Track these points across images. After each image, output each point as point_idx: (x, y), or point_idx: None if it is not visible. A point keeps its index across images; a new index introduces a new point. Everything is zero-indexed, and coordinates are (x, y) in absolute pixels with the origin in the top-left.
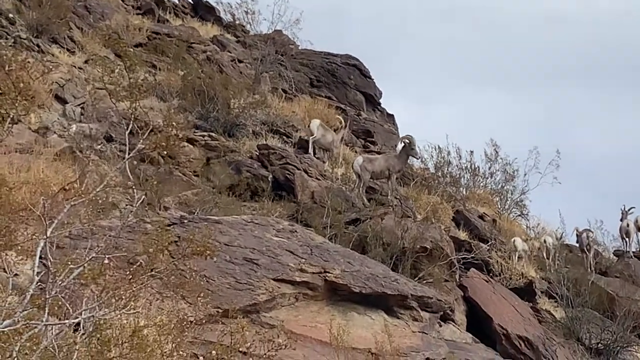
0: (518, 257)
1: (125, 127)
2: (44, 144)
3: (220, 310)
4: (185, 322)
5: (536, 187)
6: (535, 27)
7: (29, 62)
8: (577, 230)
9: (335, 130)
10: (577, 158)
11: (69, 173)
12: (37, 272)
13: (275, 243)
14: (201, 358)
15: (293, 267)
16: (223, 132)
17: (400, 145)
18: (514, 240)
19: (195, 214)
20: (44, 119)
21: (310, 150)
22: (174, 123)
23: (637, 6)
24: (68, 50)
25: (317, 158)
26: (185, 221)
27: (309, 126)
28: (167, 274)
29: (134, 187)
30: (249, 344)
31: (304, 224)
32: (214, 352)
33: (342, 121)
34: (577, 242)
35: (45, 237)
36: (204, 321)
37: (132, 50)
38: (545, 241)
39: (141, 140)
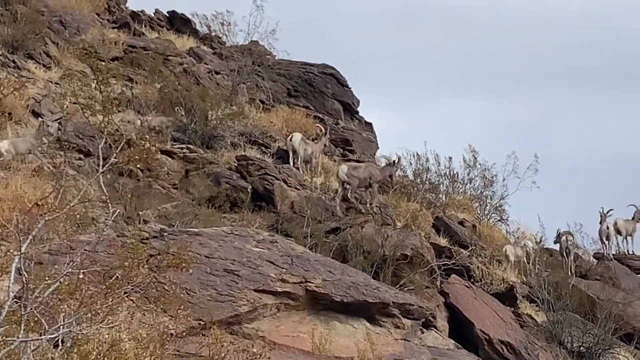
0: (510, 265)
1: (98, 142)
2: (21, 160)
3: (202, 323)
4: (165, 335)
5: (515, 192)
6: (512, 32)
7: (5, 78)
8: (559, 231)
9: (314, 139)
10: (556, 163)
11: (48, 189)
12: (15, 289)
13: (256, 254)
14: None
15: (274, 277)
16: (201, 144)
17: (384, 160)
18: (505, 249)
19: (175, 226)
20: (21, 134)
21: (291, 162)
22: (147, 136)
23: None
24: (44, 65)
25: (297, 168)
26: (165, 234)
27: (290, 140)
28: (146, 287)
29: (108, 200)
30: (223, 354)
31: (284, 234)
32: None
33: (323, 129)
34: (555, 242)
35: (19, 252)
36: (185, 334)
37: (105, 64)
38: (525, 245)
39: (114, 154)
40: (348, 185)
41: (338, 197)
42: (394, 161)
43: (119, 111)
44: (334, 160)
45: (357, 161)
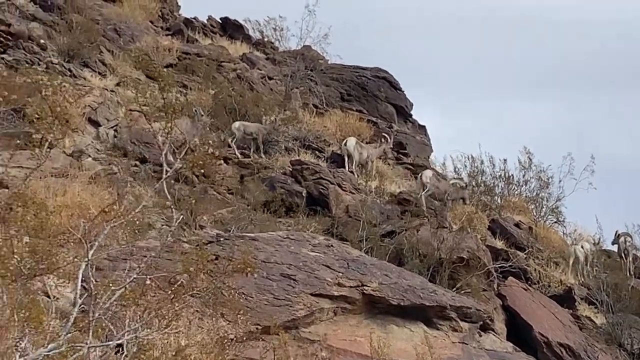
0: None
1: (160, 148)
2: (78, 168)
3: (260, 327)
4: (225, 340)
5: (572, 194)
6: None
7: (64, 86)
8: (617, 233)
9: (368, 142)
10: (613, 163)
11: (105, 195)
12: (80, 295)
13: (312, 258)
14: None
15: (330, 281)
16: (256, 149)
17: (457, 182)
18: (575, 249)
19: (231, 231)
20: (78, 142)
21: (346, 166)
22: (210, 142)
23: None
24: (99, 73)
25: (351, 172)
26: (222, 239)
27: (345, 144)
28: (207, 292)
29: (172, 206)
30: (291, 359)
31: (339, 238)
32: None
33: (387, 137)
34: (613, 243)
35: (86, 259)
36: (244, 338)
37: (165, 71)
38: (582, 247)
39: (178, 160)
40: (425, 189)
41: (423, 195)
42: (466, 184)
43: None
44: (388, 164)
45: (412, 165)
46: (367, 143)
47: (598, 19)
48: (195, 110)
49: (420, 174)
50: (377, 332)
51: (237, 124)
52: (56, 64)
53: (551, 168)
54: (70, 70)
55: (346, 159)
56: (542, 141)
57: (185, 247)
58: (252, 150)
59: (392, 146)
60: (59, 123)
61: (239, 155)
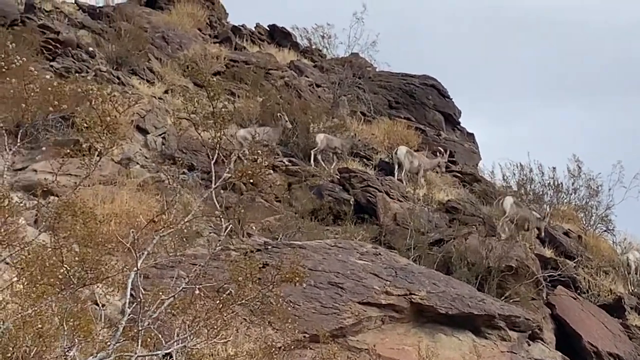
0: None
1: (209, 156)
2: (126, 175)
3: (308, 335)
4: (273, 349)
5: (621, 202)
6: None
7: (114, 95)
8: None
9: (421, 153)
10: None
11: (153, 203)
12: (128, 304)
13: (360, 266)
14: None
15: (378, 289)
16: (303, 157)
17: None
18: (627, 257)
19: (279, 239)
20: (126, 150)
21: (395, 174)
22: (259, 152)
23: None
24: (147, 81)
25: (399, 180)
26: (269, 247)
27: (396, 153)
28: (254, 301)
29: (220, 215)
30: None
31: (387, 246)
32: None
33: (442, 151)
34: None
35: (136, 268)
36: (291, 347)
37: (214, 79)
38: (628, 257)
39: (227, 169)
40: (506, 215)
41: (506, 225)
42: (544, 216)
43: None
44: (437, 172)
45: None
46: (416, 151)
47: None
48: (280, 116)
49: (501, 200)
50: (425, 341)
51: (321, 136)
52: (104, 72)
53: (601, 176)
54: (118, 78)
55: (396, 167)
56: (593, 149)
57: (233, 255)
58: (333, 164)
59: (447, 160)
60: (108, 132)
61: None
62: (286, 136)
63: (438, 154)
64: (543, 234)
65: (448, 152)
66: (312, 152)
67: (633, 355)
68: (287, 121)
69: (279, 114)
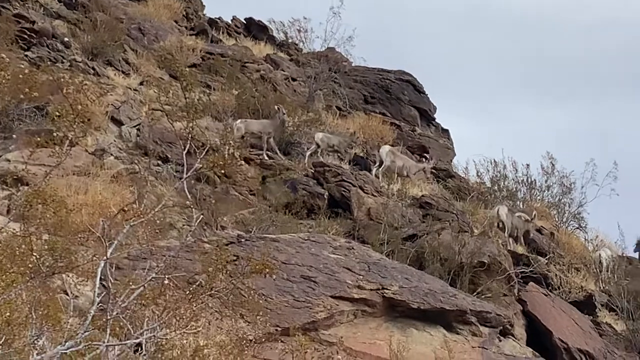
0: (604, 270)
1: (182, 147)
2: (100, 166)
3: (279, 329)
4: (244, 341)
5: (594, 200)
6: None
7: (86, 84)
8: (639, 239)
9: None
10: (636, 169)
11: (127, 194)
12: (98, 294)
13: (333, 260)
14: None
15: (351, 284)
16: (278, 151)
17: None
18: (600, 254)
19: (252, 232)
20: (100, 141)
21: (373, 172)
22: (231, 142)
23: None
24: (123, 72)
25: (376, 177)
26: (243, 240)
27: (378, 151)
28: (226, 293)
29: (192, 206)
30: None
31: (360, 240)
32: None
33: (428, 158)
34: (635, 250)
35: (105, 258)
36: (263, 340)
37: (188, 70)
38: (600, 254)
39: (199, 160)
40: (502, 225)
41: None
42: (531, 219)
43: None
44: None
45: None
46: (405, 154)
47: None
48: (278, 108)
49: (497, 209)
50: (397, 335)
51: (320, 135)
52: (80, 62)
53: (574, 174)
54: (93, 69)
55: (377, 163)
56: (566, 147)
57: (205, 247)
58: (346, 160)
59: (433, 167)
60: (80, 121)
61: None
62: (283, 129)
63: (424, 159)
64: (531, 235)
65: (434, 160)
66: (309, 152)
67: (603, 352)
68: (284, 114)
69: (276, 107)
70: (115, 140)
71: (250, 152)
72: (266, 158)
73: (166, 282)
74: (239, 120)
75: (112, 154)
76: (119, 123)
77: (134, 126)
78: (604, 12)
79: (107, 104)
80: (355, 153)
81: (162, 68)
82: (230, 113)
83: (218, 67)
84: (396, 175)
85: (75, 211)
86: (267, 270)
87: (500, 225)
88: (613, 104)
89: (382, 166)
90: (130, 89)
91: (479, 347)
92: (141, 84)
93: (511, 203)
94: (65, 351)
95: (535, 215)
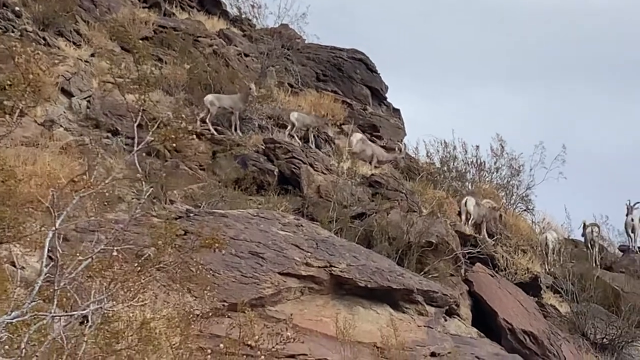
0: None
1: (133, 120)
2: (49, 137)
3: (226, 304)
4: (191, 316)
5: (542, 182)
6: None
7: (38, 53)
8: (584, 223)
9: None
10: (583, 153)
11: (75, 166)
12: (45, 264)
13: (281, 237)
14: (209, 351)
15: (299, 261)
16: (229, 126)
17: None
18: (546, 236)
19: (202, 207)
20: (50, 112)
21: (287, 136)
22: (183, 116)
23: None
24: (74, 43)
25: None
26: (192, 215)
27: (349, 138)
28: (174, 267)
29: (142, 179)
30: (257, 337)
31: (309, 218)
32: (222, 345)
33: (401, 148)
34: (582, 235)
35: (54, 228)
36: (209, 314)
37: (141, 42)
38: (546, 237)
39: (151, 133)
40: (469, 215)
41: (469, 224)
42: (401, 149)
43: (152, 90)
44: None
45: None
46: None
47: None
48: (250, 87)
49: (464, 201)
50: (344, 313)
51: (295, 114)
52: (30, 32)
53: (523, 156)
54: (44, 39)
55: (345, 151)
56: (517, 130)
57: (154, 221)
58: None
59: (403, 157)
60: (31, 91)
61: (215, 130)
62: (251, 103)
63: (397, 149)
64: (498, 222)
65: (404, 149)
66: (287, 132)
67: (547, 333)
68: (251, 89)
69: (245, 82)
70: (65, 112)
71: (201, 127)
72: (215, 133)
73: (114, 254)
74: (211, 95)
75: (61, 126)
76: (69, 94)
77: (84, 98)
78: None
79: (58, 75)
80: (325, 132)
81: (114, 40)
82: (182, 87)
83: (170, 40)
84: (365, 162)
85: (24, 181)
86: (217, 245)
87: (468, 217)
88: (567, 89)
89: (352, 150)
90: (81, 60)
91: (424, 326)
92: (92, 55)
93: (460, 184)
94: (10, 321)
95: (503, 204)
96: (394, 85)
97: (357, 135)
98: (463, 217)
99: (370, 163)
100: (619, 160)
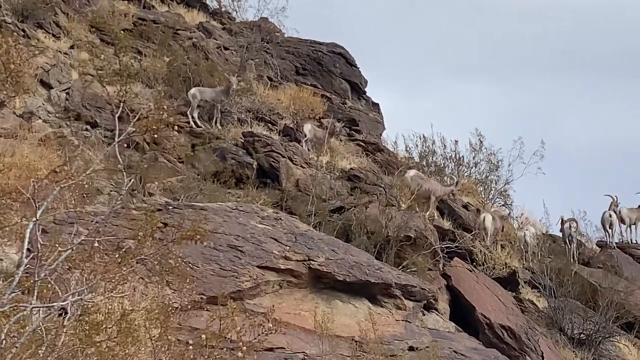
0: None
1: (113, 112)
2: (28, 129)
3: (205, 297)
4: (170, 308)
5: (520, 177)
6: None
7: (19, 43)
8: (562, 219)
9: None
10: (562, 149)
11: (54, 158)
12: (25, 256)
13: (260, 230)
14: (190, 343)
15: (277, 254)
16: (208, 119)
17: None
18: (484, 218)
19: (180, 200)
20: (29, 103)
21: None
22: (164, 107)
23: None
24: (53, 35)
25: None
26: (170, 207)
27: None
28: (152, 259)
29: (123, 171)
30: (238, 328)
31: (288, 211)
32: (203, 336)
33: (458, 182)
34: (560, 230)
35: (34, 219)
36: (188, 307)
37: (122, 33)
38: (525, 233)
39: (132, 124)
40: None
41: (488, 240)
42: (456, 182)
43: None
44: (340, 140)
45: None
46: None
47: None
48: (230, 81)
49: (482, 218)
50: (322, 307)
51: (308, 125)
52: (10, 24)
53: (501, 151)
54: (23, 31)
55: (303, 141)
56: (495, 125)
57: (134, 213)
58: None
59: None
60: (11, 82)
61: (197, 124)
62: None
63: (453, 184)
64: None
65: (459, 184)
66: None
67: (524, 328)
68: (232, 82)
69: (225, 74)
70: (43, 104)
71: (180, 120)
72: (194, 126)
73: (96, 244)
74: (194, 89)
75: (40, 117)
76: (48, 86)
77: (63, 90)
78: None
79: (37, 67)
80: (285, 124)
81: (94, 32)
82: (161, 80)
83: (150, 33)
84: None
85: (3, 173)
86: (198, 237)
87: (486, 233)
88: (545, 86)
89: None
90: (60, 52)
91: (402, 320)
92: (72, 47)
93: (439, 178)
94: None
95: (456, 182)
96: (373, 79)
97: (411, 172)
98: (482, 234)
99: (428, 199)
100: (595, 157)
